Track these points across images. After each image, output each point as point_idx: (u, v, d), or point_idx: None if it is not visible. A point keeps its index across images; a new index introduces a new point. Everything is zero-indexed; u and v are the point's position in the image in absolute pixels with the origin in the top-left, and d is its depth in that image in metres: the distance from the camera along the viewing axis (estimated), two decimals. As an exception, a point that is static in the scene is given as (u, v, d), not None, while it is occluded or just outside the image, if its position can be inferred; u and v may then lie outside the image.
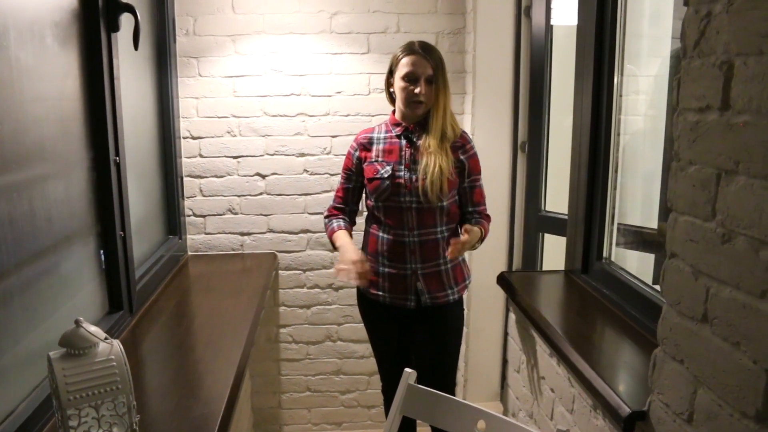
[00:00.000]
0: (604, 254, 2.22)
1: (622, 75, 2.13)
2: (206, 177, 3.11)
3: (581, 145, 2.25)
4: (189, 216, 3.14)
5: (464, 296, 2.49)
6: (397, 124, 2.36)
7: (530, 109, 2.94)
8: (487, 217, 2.43)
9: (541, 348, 2.14)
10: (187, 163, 3.08)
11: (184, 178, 3.09)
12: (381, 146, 2.37)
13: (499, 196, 3.05)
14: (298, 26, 3.00)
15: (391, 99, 2.39)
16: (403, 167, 2.31)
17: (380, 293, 2.40)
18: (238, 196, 3.15)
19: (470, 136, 2.40)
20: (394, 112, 2.39)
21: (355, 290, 2.59)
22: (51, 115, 1.66)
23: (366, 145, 2.40)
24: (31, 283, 1.54)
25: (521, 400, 2.42)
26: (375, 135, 2.41)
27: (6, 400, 1.40)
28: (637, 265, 2.22)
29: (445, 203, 2.30)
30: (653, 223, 2.22)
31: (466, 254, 2.51)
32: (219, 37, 2.98)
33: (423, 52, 2.25)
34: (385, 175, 2.32)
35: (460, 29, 3.06)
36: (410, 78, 2.25)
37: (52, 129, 1.66)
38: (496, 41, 2.94)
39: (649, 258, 2.26)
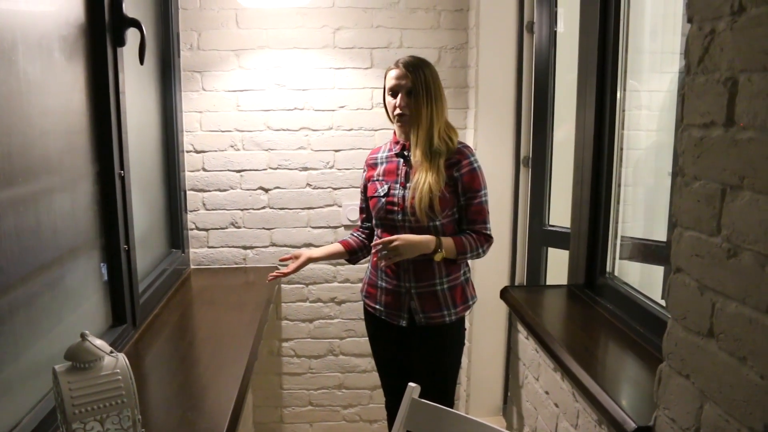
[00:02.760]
0: (608, 269, 2.22)
1: (624, 90, 2.15)
2: (209, 191, 3.12)
3: (584, 160, 2.26)
4: (192, 229, 3.14)
5: (466, 315, 2.47)
6: (396, 143, 2.37)
7: (534, 124, 2.95)
8: (484, 237, 2.32)
9: (545, 363, 2.14)
10: (190, 177, 3.09)
11: (188, 192, 3.09)
12: (383, 166, 2.39)
13: (501, 211, 3.06)
14: (302, 41, 3.02)
15: (390, 117, 2.41)
16: (398, 186, 2.31)
17: (377, 307, 2.41)
18: (241, 209, 3.15)
19: (471, 151, 2.33)
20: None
21: (358, 304, 2.60)
22: (57, 129, 1.67)
23: (372, 165, 2.43)
24: (36, 295, 1.54)
25: (524, 415, 2.41)
26: (380, 155, 2.43)
27: (11, 412, 1.40)
28: (640, 279, 2.22)
29: (438, 222, 2.26)
30: (658, 235, 2.22)
31: (471, 274, 2.47)
32: (223, 51, 3.00)
33: (403, 65, 2.25)
34: (381, 194, 2.33)
35: (462, 44, 3.08)
36: (392, 92, 2.28)
37: (58, 142, 1.67)
38: (498, 56, 2.95)
39: (653, 272, 2.26)
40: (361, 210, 2.53)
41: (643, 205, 2.39)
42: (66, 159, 1.73)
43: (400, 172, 2.33)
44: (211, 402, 1.72)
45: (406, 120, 2.27)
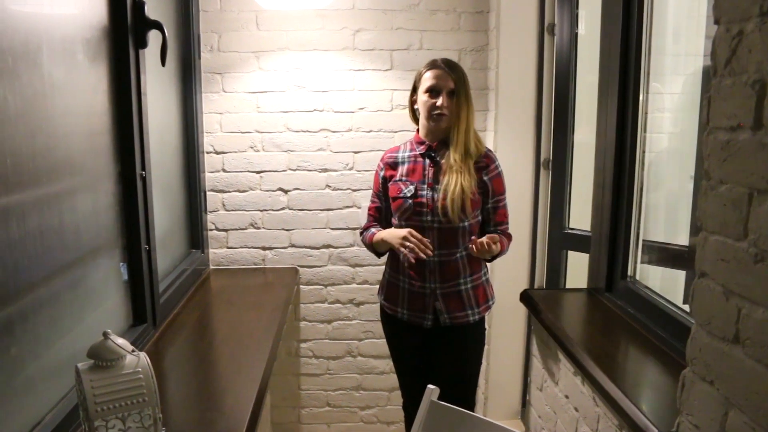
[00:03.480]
0: (629, 272, 2.20)
1: (647, 93, 2.12)
2: (229, 191, 3.13)
3: (605, 163, 2.24)
4: (211, 230, 3.16)
5: (486, 316, 2.48)
6: (420, 143, 2.37)
7: (554, 126, 2.93)
8: (509, 236, 2.41)
9: (565, 367, 2.12)
10: (210, 178, 3.11)
11: (207, 193, 3.11)
12: (406, 165, 2.38)
13: (521, 214, 3.04)
14: (322, 43, 3.02)
15: (415, 117, 2.40)
16: (426, 186, 2.31)
17: (399, 309, 2.41)
18: (261, 210, 3.16)
19: (495, 155, 2.39)
20: (418, 130, 2.40)
21: (376, 306, 2.59)
22: (80, 130, 1.68)
23: (391, 165, 2.42)
24: (58, 294, 1.56)
25: (543, 419, 2.39)
26: (400, 154, 2.42)
27: (34, 409, 1.42)
28: (661, 283, 2.20)
29: (467, 223, 2.30)
30: (680, 240, 2.20)
31: (491, 273, 2.48)
32: (243, 53, 3.02)
33: (445, 66, 2.27)
34: (408, 195, 2.33)
35: (482, 46, 3.07)
36: (432, 91, 2.27)
37: (81, 143, 1.69)
38: (519, 58, 2.94)
39: (675, 277, 2.24)
40: (376, 210, 2.49)
41: (664, 209, 2.36)
42: (88, 160, 1.74)
43: (427, 172, 2.33)
44: (231, 402, 1.72)
45: (446, 120, 2.28)
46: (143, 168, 2.02)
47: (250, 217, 3.17)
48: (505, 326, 3.16)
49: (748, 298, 1.10)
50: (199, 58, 2.97)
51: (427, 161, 2.34)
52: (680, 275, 2.27)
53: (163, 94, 2.54)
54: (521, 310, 3.04)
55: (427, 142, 2.35)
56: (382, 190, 2.44)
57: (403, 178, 2.36)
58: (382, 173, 2.44)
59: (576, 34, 2.79)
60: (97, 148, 1.81)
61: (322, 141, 3.11)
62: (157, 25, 2.00)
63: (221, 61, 3.02)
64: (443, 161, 2.30)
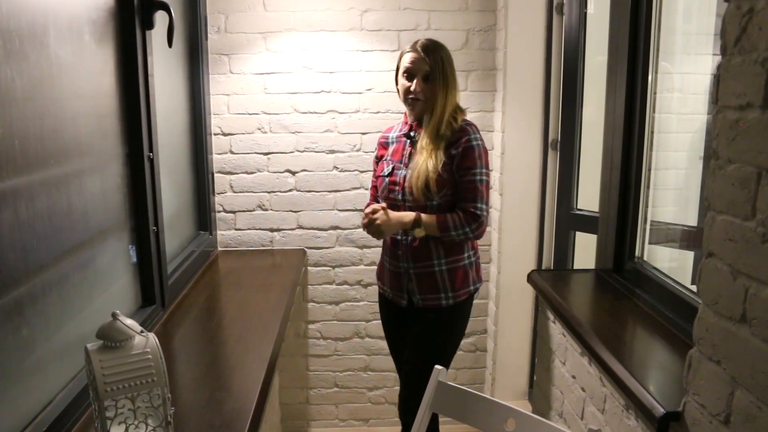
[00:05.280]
0: (637, 253, 2.20)
1: (656, 73, 2.10)
2: (237, 173, 3.14)
3: (614, 144, 2.23)
4: (219, 212, 3.17)
5: (472, 299, 2.45)
6: (406, 123, 2.39)
7: (563, 106, 2.91)
8: (471, 215, 2.25)
9: (572, 347, 2.12)
10: (217, 160, 3.11)
11: (215, 174, 3.12)
12: (393, 146, 2.43)
13: (529, 194, 3.03)
14: (329, 23, 3.01)
15: None
16: (402, 166, 2.34)
17: (384, 287, 2.50)
18: (268, 192, 3.17)
19: (475, 128, 2.30)
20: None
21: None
22: (88, 112, 1.69)
23: (384, 144, 2.49)
24: (67, 276, 1.57)
25: (551, 399, 2.40)
26: (392, 134, 2.47)
27: (45, 390, 1.43)
28: (669, 264, 2.19)
29: (435, 202, 2.27)
30: (689, 220, 2.19)
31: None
32: (250, 34, 3.01)
33: (422, 49, 2.25)
34: (386, 174, 2.38)
35: (491, 26, 3.04)
36: (407, 75, 2.27)
37: (88, 125, 1.69)
38: (527, 38, 2.92)
39: (683, 258, 2.23)
40: (374, 188, 2.53)
41: (673, 190, 2.35)
42: (96, 141, 1.75)
43: (405, 152, 2.36)
44: (239, 382, 1.74)
45: (420, 104, 2.28)
46: (151, 150, 2.02)
47: (258, 199, 3.17)
48: (513, 307, 3.16)
49: (755, 277, 1.09)
50: (206, 39, 2.96)
51: (407, 141, 2.36)
52: (688, 256, 2.26)
53: (170, 76, 2.54)
54: (529, 291, 3.05)
55: (410, 123, 2.37)
56: (376, 169, 2.50)
57: (388, 158, 2.41)
58: (376, 153, 2.51)
59: (585, 14, 2.76)
60: (105, 130, 1.81)
61: (329, 122, 3.10)
62: (164, 6, 1.99)
63: (228, 42, 3.01)
64: (420, 144, 2.31)
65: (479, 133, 2.30)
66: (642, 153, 2.14)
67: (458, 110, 2.31)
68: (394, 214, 2.27)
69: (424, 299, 2.36)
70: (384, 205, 2.31)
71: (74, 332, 1.58)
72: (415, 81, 2.25)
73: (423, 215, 2.26)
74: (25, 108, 1.35)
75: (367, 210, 2.29)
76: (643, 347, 1.85)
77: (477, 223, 2.26)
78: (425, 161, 2.23)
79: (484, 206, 2.27)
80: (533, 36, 2.92)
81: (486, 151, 2.30)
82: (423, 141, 2.28)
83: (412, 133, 2.36)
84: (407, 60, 2.27)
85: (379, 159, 2.48)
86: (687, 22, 2.34)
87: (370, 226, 2.28)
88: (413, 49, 2.26)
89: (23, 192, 1.34)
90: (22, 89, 1.33)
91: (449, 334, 2.42)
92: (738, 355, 1.14)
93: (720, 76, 1.18)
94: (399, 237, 2.35)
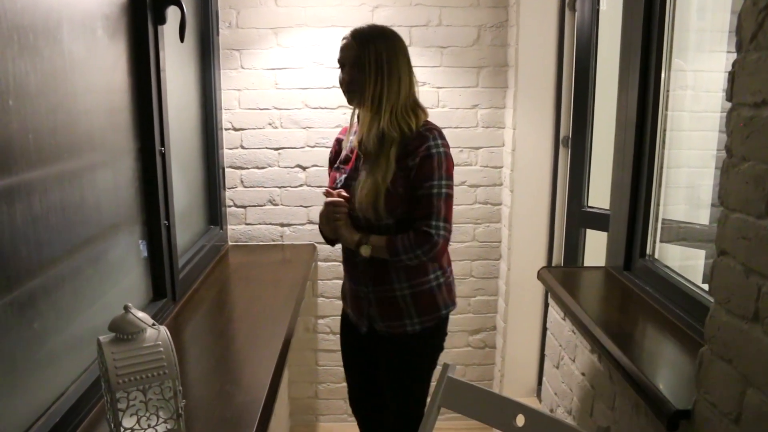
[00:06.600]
0: (648, 251, 2.19)
1: (669, 70, 2.09)
2: (247, 168, 3.14)
3: (626, 141, 2.22)
4: (230, 206, 3.18)
5: (439, 324, 2.16)
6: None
7: (574, 103, 2.90)
8: (423, 235, 1.94)
9: (582, 344, 2.12)
10: (228, 155, 3.12)
11: (226, 169, 3.13)
12: (347, 148, 2.14)
13: (539, 191, 3.03)
14: (340, 19, 3.00)
15: None
16: (356, 176, 2.04)
17: (348, 308, 2.26)
18: (279, 187, 3.17)
19: (437, 134, 1.98)
20: None
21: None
22: (100, 106, 1.69)
23: (339, 143, 2.21)
24: (80, 269, 1.58)
25: (559, 396, 2.40)
26: (349, 135, 2.15)
27: (57, 381, 1.45)
28: (681, 263, 2.18)
29: (391, 222, 1.99)
30: (701, 219, 2.18)
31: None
32: (261, 29, 3.01)
33: (351, 36, 1.99)
34: (337, 185, 2.10)
35: (502, 22, 3.03)
36: (339, 64, 2.05)
37: (101, 120, 1.70)
38: (539, 34, 2.91)
39: (694, 256, 2.22)
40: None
41: (685, 188, 2.34)
42: (108, 136, 1.75)
43: (358, 161, 2.06)
44: (249, 376, 1.74)
45: (350, 97, 2.02)
46: (162, 144, 2.03)
47: (269, 194, 3.18)
48: (522, 304, 3.16)
49: (768, 276, 1.09)
50: (218, 34, 2.97)
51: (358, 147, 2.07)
52: (700, 254, 2.25)
53: (181, 71, 2.55)
54: (539, 288, 3.04)
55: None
56: (330, 170, 2.23)
57: (340, 166, 2.14)
58: (330, 150, 2.25)
59: (597, 10, 2.74)
60: (117, 125, 1.82)
61: (340, 118, 3.10)
62: (176, 1, 1.99)
63: (239, 38, 3.01)
64: (360, 148, 2.04)
65: (442, 139, 1.98)
66: (654, 151, 2.13)
67: (413, 109, 2.00)
68: (348, 226, 2.04)
69: (388, 326, 2.10)
70: (346, 196, 2.04)
71: (86, 325, 1.59)
72: (343, 70, 2.01)
73: (373, 236, 1.99)
74: (39, 102, 1.36)
75: (332, 198, 2.02)
76: (654, 345, 1.84)
77: (429, 244, 1.93)
78: (374, 174, 1.94)
79: (441, 224, 1.95)
80: (545, 32, 2.91)
81: (450, 160, 1.99)
82: (361, 145, 2.01)
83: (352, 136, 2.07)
84: (339, 47, 2.02)
85: (332, 159, 2.22)
86: (701, 19, 2.32)
87: (329, 222, 2.04)
88: (346, 35, 2.01)
89: (37, 186, 1.35)
90: (36, 84, 1.34)
91: (424, 361, 2.20)
92: (750, 354, 1.14)
93: (735, 72, 1.17)
94: (357, 258, 2.07)
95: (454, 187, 2.04)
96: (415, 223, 1.96)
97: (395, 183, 1.94)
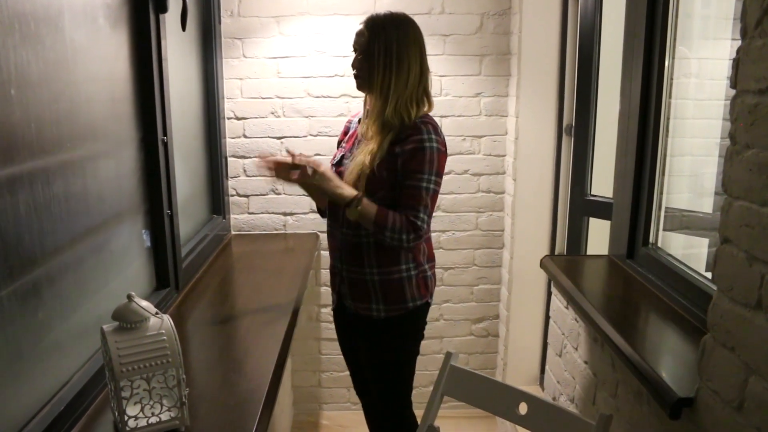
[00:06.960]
0: (651, 239, 2.18)
1: (673, 58, 2.08)
2: (250, 157, 3.14)
3: (629, 129, 2.21)
4: (233, 196, 3.18)
5: (417, 313, 2.17)
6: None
7: (577, 92, 2.89)
8: (410, 224, 1.96)
9: (584, 332, 2.12)
10: (231, 144, 3.12)
11: (228, 158, 3.12)
12: (352, 130, 2.24)
13: (542, 180, 3.02)
14: (342, 7, 2.99)
15: None
16: (351, 155, 2.12)
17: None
18: (281, 176, 3.17)
19: (432, 128, 2.01)
20: None
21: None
22: (102, 95, 1.69)
23: (347, 127, 2.30)
24: (83, 258, 1.58)
25: (562, 384, 2.40)
26: (356, 118, 2.26)
27: (62, 370, 1.45)
28: (684, 251, 2.18)
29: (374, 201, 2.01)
30: (704, 207, 2.17)
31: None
32: (263, 18, 3.00)
33: (365, 22, 2.01)
34: (335, 162, 2.19)
35: (505, 10, 3.02)
36: (352, 49, 2.07)
37: (103, 109, 1.70)
38: (542, 22, 2.89)
39: (698, 244, 2.22)
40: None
41: (689, 176, 2.33)
42: (111, 125, 1.75)
43: (356, 141, 2.15)
44: (252, 365, 1.75)
45: (359, 83, 2.06)
46: (165, 134, 2.03)
47: (271, 183, 3.18)
48: (525, 292, 3.16)
49: (771, 264, 1.09)
50: (220, 23, 2.96)
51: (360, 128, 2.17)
52: (703, 243, 2.25)
53: (183, 60, 2.54)
54: (541, 277, 3.04)
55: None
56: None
57: (343, 144, 2.24)
58: (342, 131, 2.33)
59: (601, -3, 2.73)
60: (119, 114, 1.82)
61: (342, 107, 3.10)
62: (177, -10, 1.99)
63: (241, 26, 3.00)
64: (362, 131, 2.12)
65: (437, 134, 2.01)
66: (657, 139, 2.13)
67: (419, 101, 2.03)
68: (335, 178, 1.99)
69: (356, 307, 2.16)
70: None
71: (90, 314, 1.59)
72: (354, 57, 2.05)
73: (365, 200, 1.96)
74: (41, 91, 1.36)
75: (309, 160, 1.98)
76: (657, 333, 1.84)
77: (416, 234, 1.98)
78: (363, 154, 2.01)
79: (426, 217, 1.99)
80: (548, 20, 2.89)
81: (442, 157, 2.02)
82: (365, 128, 2.07)
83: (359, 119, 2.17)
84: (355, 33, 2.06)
85: (340, 140, 2.31)
86: (705, 7, 2.31)
87: (305, 175, 1.96)
88: (362, 20, 2.04)
89: (39, 175, 1.35)
90: (38, 73, 1.34)
91: (392, 344, 2.20)
92: (752, 342, 1.14)
93: (739, 59, 1.17)
94: (335, 232, 2.14)
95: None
96: (401, 210, 1.98)
97: (380, 166, 1.99)
